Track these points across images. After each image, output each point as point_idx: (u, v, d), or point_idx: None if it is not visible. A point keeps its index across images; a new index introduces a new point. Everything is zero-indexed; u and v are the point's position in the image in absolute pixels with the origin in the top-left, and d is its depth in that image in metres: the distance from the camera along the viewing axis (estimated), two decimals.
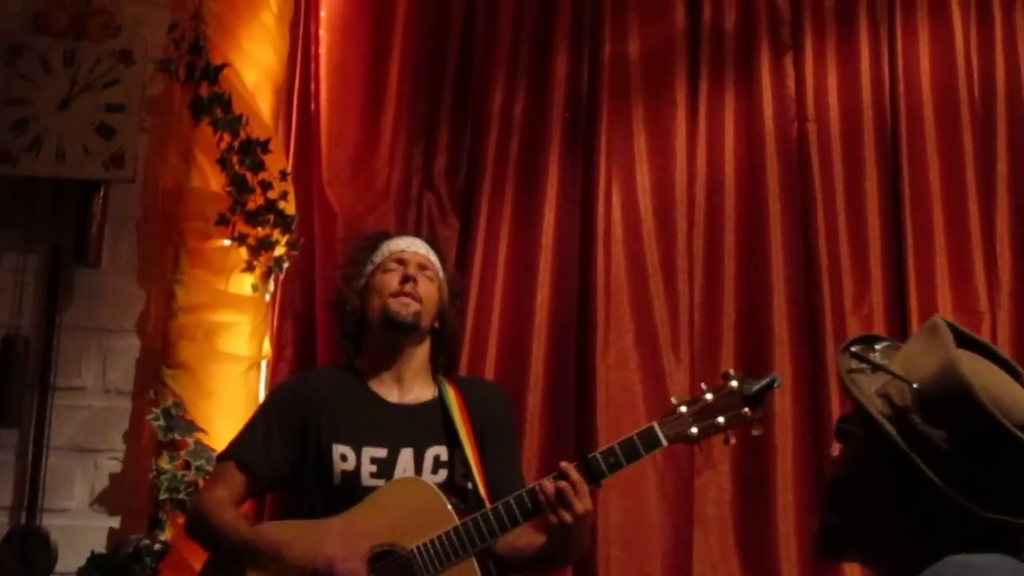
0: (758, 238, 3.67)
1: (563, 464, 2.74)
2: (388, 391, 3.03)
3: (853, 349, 1.79)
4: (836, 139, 3.72)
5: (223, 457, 3.01)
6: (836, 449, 1.83)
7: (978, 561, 1.59)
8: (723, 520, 3.55)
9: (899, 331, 3.62)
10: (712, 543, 3.53)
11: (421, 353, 3.08)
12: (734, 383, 2.74)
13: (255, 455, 2.95)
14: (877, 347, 1.80)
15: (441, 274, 3.13)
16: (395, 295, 3.02)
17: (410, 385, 3.05)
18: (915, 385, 1.65)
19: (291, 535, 2.82)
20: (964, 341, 1.70)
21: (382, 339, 3.05)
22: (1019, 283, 3.71)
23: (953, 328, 1.71)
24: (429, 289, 3.06)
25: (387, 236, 3.19)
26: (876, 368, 1.74)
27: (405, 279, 3.03)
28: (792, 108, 3.74)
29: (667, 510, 3.53)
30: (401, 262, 3.07)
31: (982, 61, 3.82)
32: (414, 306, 3.01)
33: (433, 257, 3.13)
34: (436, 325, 3.10)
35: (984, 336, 3.51)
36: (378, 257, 3.10)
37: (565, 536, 2.77)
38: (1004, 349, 3.49)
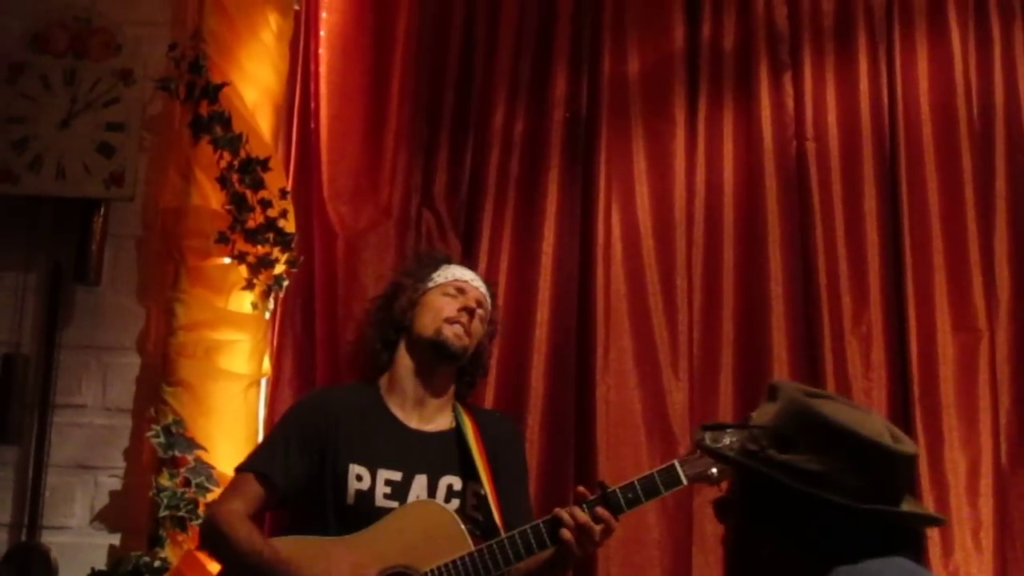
0: (757, 256, 3.67)
1: (600, 510, 2.75)
2: (408, 415, 3.05)
3: (707, 425, 2.00)
4: (835, 157, 3.72)
5: (242, 468, 3.01)
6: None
7: (861, 567, 1.67)
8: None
9: (898, 349, 3.64)
10: (711, 560, 3.52)
11: (449, 383, 3.10)
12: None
13: (274, 468, 2.95)
14: (729, 429, 1.97)
15: (488, 315, 3.16)
16: (451, 321, 3.04)
17: (430, 412, 3.06)
18: (766, 426, 1.77)
19: (304, 554, 2.82)
20: (804, 392, 1.84)
21: (418, 358, 3.07)
22: (1018, 301, 3.72)
23: (794, 384, 1.86)
24: (478, 329, 3.10)
25: (449, 261, 3.22)
26: (733, 427, 1.91)
27: (466, 310, 3.06)
28: (791, 126, 3.75)
29: (667, 527, 3.53)
30: (462, 291, 3.09)
31: (980, 80, 3.82)
32: (465, 340, 3.04)
33: (487, 299, 3.16)
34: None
35: (983, 354, 3.60)
36: (440, 278, 3.12)
37: (574, 558, 2.79)
38: (1003, 367, 3.60)
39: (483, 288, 3.16)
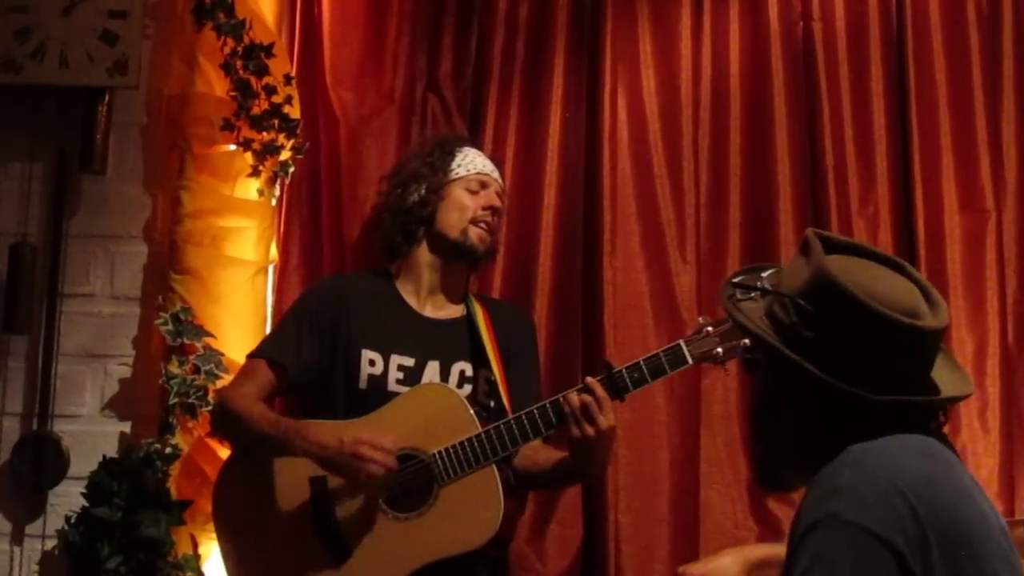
0: (763, 138, 3.64)
1: (588, 379, 2.79)
2: (421, 303, 3.06)
3: (736, 280, 1.91)
4: (841, 38, 3.67)
5: (254, 355, 3.03)
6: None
7: (875, 443, 1.67)
8: (730, 419, 3.55)
9: (905, 230, 3.62)
10: (719, 442, 3.54)
11: (464, 275, 3.12)
12: None
13: (287, 354, 2.97)
14: (764, 275, 1.92)
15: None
16: (476, 222, 3.04)
17: (443, 301, 3.08)
18: (794, 298, 1.74)
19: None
20: (834, 247, 1.81)
21: (440, 254, 3.07)
22: None
23: (824, 238, 1.82)
24: (498, 221, 3.13)
25: (463, 142, 3.20)
26: (762, 292, 1.85)
27: (491, 209, 3.07)
28: (797, 7, 3.68)
29: (675, 409, 3.54)
30: (485, 186, 3.09)
31: None
32: (489, 240, 3.05)
33: (502, 186, 3.18)
34: None
35: (990, 234, 3.59)
36: (461, 169, 3.10)
37: (587, 451, 2.81)
38: (1010, 247, 3.57)
39: (501, 179, 3.17)
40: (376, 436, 2.73)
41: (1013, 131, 3.67)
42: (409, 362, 2.97)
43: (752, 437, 1.91)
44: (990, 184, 3.62)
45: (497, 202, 3.08)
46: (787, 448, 1.80)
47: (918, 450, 1.68)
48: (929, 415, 1.76)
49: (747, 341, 2.72)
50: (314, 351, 2.98)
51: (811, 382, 1.70)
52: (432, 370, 2.98)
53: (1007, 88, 3.69)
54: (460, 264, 3.09)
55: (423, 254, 3.08)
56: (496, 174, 3.15)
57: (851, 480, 1.62)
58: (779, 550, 2.60)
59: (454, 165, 3.10)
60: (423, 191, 3.07)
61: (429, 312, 3.07)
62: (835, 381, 1.68)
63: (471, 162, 3.11)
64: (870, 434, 1.67)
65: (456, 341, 3.04)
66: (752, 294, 1.86)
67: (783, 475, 1.87)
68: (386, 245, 3.14)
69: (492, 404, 2.99)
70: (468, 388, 2.99)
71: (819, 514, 1.60)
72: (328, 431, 2.77)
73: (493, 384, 2.98)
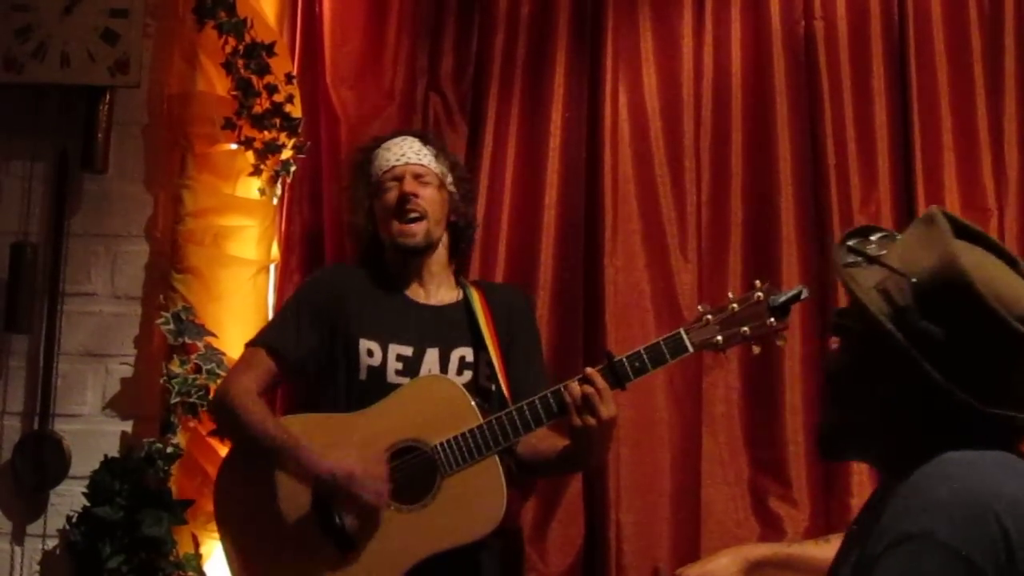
0: (765, 137, 3.63)
1: (588, 369, 2.79)
2: (415, 292, 3.06)
3: (850, 243, 1.77)
4: (843, 37, 3.66)
5: (253, 343, 3.04)
6: (835, 343, 1.82)
7: (972, 457, 1.58)
8: (731, 418, 3.55)
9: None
10: (720, 441, 3.53)
11: (439, 256, 3.10)
12: (760, 293, 2.78)
13: (285, 342, 2.98)
14: (873, 238, 1.78)
15: (439, 170, 3.11)
16: (398, 220, 3.02)
17: (434, 288, 3.08)
18: (914, 280, 1.63)
19: (314, 433, 2.85)
20: (962, 232, 1.69)
21: (397, 256, 3.07)
22: None
23: (951, 219, 1.69)
24: (430, 196, 3.06)
25: (377, 145, 3.16)
26: (873, 261, 1.71)
27: (401, 199, 3.03)
28: (799, 6, 3.67)
29: (676, 408, 3.53)
30: (397, 178, 3.06)
31: None
32: (419, 231, 3.03)
33: (426, 157, 3.10)
34: (452, 218, 3.11)
35: (991, 233, 3.54)
36: (373, 177, 3.10)
37: (587, 440, 2.81)
38: (1012, 246, 3.55)
39: (414, 152, 3.10)
40: (369, 469, 2.77)
41: (1015, 130, 3.66)
42: (408, 351, 2.97)
43: (827, 406, 1.78)
44: (992, 183, 3.61)
45: (408, 188, 3.02)
46: (866, 429, 1.71)
47: (1013, 469, 1.59)
48: (1020, 432, 1.66)
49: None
50: (313, 339, 2.99)
51: (918, 376, 1.60)
52: (431, 357, 2.98)
53: (1008, 87, 3.67)
54: (420, 258, 3.07)
55: (389, 256, 3.10)
56: (407, 156, 3.08)
57: (948, 497, 1.53)
58: (779, 549, 2.60)
59: (370, 177, 3.10)
60: (361, 216, 3.11)
61: (424, 299, 3.07)
62: (947, 384, 1.58)
63: (379, 164, 3.09)
64: (963, 442, 1.59)
65: (454, 327, 3.04)
66: (862, 260, 1.73)
67: (848, 450, 1.79)
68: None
69: (493, 388, 2.99)
70: (469, 374, 2.99)
71: (912, 528, 1.52)
72: (324, 462, 2.78)
73: (494, 368, 2.99)
